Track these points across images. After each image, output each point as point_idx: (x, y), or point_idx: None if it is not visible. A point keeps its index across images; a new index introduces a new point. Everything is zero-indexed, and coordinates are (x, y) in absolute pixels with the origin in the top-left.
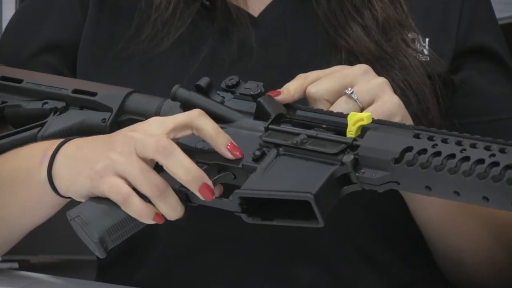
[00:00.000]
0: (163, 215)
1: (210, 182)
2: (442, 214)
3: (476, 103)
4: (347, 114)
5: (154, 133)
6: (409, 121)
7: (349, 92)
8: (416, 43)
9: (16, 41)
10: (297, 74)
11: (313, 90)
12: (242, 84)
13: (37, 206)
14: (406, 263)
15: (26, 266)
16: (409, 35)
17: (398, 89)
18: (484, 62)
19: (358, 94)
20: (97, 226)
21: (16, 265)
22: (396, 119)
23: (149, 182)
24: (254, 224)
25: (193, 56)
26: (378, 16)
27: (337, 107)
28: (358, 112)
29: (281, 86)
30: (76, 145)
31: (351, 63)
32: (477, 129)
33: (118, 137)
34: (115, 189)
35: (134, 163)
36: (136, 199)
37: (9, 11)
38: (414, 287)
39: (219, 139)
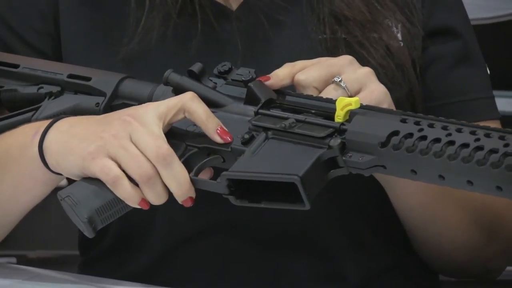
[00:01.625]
0: (148, 202)
1: (194, 195)
2: (423, 202)
3: (440, 85)
4: (336, 100)
5: (151, 126)
6: (393, 108)
7: (338, 80)
8: (391, 28)
9: (5, 27)
10: (281, 58)
11: (302, 77)
12: (234, 70)
13: (30, 183)
14: (393, 247)
15: (23, 261)
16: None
17: (380, 62)
18: (447, 43)
19: (346, 82)
20: (87, 206)
21: (14, 259)
22: (384, 106)
23: (139, 167)
24: (246, 212)
25: (178, 53)
26: None
27: (326, 94)
28: None
29: (267, 72)
30: (69, 122)
31: (337, 31)
32: (443, 112)
33: (114, 119)
34: (106, 170)
35: (127, 147)
36: (126, 181)
37: None
38: (398, 270)
39: (209, 123)
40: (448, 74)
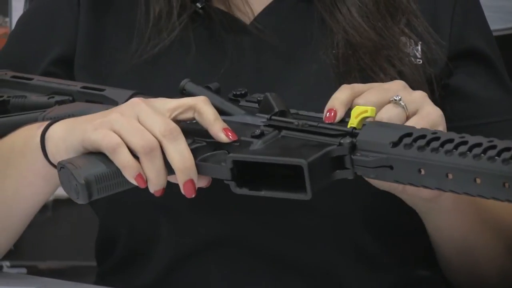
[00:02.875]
0: (145, 179)
1: (196, 180)
2: (463, 233)
3: (468, 107)
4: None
5: (160, 111)
6: None
7: (398, 98)
8: (408, 46)
9: (22, 52)
10: (290, 78)
11: (361, 101)
12: (249, 95)
13: (31, 177)
14: (396, 258)
15: (34, 271)
16: (402, 38)
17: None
18: (476, 66)
19: (405, 102)
20: (86, 171)
21: (24, 270)
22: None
23: (142, 139)
24: (253, 225)
25: (186, 62)
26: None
27: (385, 112)
28: (404, 119)
29: (275, 91)
30: (75, 118)
31: (349, 57)
32: (469, 133)
33: (123, 105)
34: (107, 138)
35: (132, 122)
36: (125, 150)
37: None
38: (404, 283)
39: (216, 124)
40: (476, 97)
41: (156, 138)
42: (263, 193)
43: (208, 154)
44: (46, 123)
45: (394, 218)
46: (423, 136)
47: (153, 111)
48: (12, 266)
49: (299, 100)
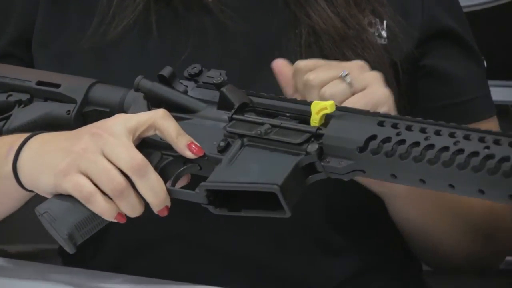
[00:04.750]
0: (125, 215)
1: (170, 204)
2: (421, 214)
3: (445, 87)
4: (311, 102)
5: (122, 138)
6: (394, 113)
7: (344, 74)
8: (374, 25)
9: None
10: (256, 60)
11: (311, 77)
12: (205, 72)
13: (3, 198)
14: (362, 250)
15: (4, 256)
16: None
17: None
18: (449, 46)
19: (352, 79)
20: (65, 222)
21: None
22: (383, 109)
23: (110, 182)
24: (211, 218)
25: (148, 44)
26: None
27: (328, 88)
28: (348, 96)
29: (240, 74)
30: (41, 140)
31: (312, 44)
32: (447, 112)
33: (84, 134)
34: (78, 188)
35: (97, 161)
36: (99, 197)
37: None
38: (372, 272)
39: (179, 141)
40: (451, 76)
41: (125, 173)
42: (242, 213)
43: (180, 169)
44: (13, 146)
45: (351, 204)
46: (388, 139)
47: (116, 141)
48: None
49: (262, 85)
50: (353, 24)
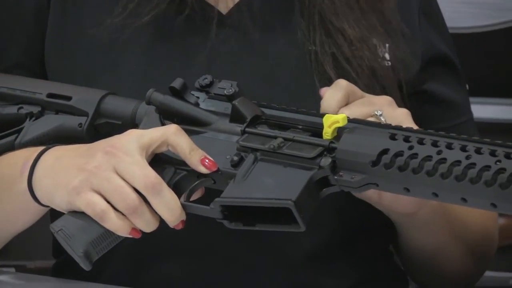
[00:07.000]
0: (139, 230)
1: (185, 218)
2: (433, 241)
3: (441, 112)
4: (323, 115)
5: (135, 156)
6: None
7: (379, 113)
8: (377, 48)
9: None
10: (268, 73)
11: (347, 112)
12: (216, 83)
13: (20, 213)
14: (357, 264)
15: (22, 271)
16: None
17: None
18: (445, 71)
19: (386, 117)
20: (81, 239)
21: (12, 270)
22: None
23: (123, 200)
24: (216, 232)
25: (160, 52)
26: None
27: None
28: None
29: (254, 86)
30: (55, 155)
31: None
32: None
33: (98, 151)
34: (91, 205)
35: (110, 179)
36: (112, 214)
37: None
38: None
39: (192, 156)
40: (447, 100)
41: (139, 191)
42: (257, 227)
43: (194, 184)
44: (27, 162)
45: (350, 217)
46: (400, 153)
47: (129, 159)
48: (0, 266)
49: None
50: (364, 26)
